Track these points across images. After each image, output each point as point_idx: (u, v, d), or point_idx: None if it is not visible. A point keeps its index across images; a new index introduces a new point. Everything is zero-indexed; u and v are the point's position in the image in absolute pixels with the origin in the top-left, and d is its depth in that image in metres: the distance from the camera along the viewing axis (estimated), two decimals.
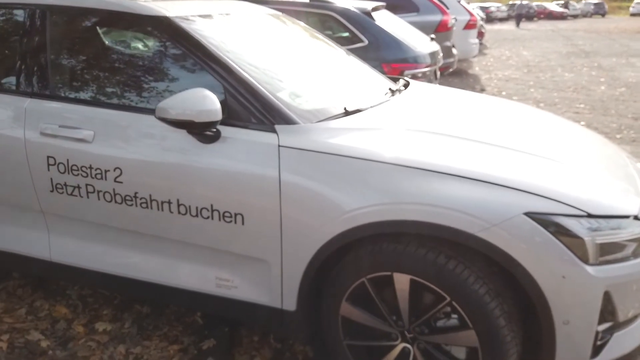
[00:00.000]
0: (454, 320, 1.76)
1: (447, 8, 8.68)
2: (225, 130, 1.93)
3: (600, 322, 1.67)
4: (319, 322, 2.01)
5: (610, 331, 1.73)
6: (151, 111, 1.97)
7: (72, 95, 2.25)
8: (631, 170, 2.15)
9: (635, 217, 1.71)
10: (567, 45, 18.19)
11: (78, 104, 2.21)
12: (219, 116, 1.87)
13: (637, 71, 11.31)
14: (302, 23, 3.11)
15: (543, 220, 1.61)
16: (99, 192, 2.11)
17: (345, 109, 2.11)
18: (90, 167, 2.09)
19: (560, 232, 1.61)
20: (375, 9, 5.28)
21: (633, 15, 47.31)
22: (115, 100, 2.19)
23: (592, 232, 1.62)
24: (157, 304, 2.61)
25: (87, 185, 2.12)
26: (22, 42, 2.33)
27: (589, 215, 1.64)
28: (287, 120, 1.93)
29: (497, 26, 33.18)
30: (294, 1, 5.11)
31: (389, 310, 1.85)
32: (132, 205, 2.07)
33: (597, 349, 1.71)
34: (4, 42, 2.47)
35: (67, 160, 2.13)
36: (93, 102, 2.21)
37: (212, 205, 1.94)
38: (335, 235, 1.79)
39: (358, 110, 2.15)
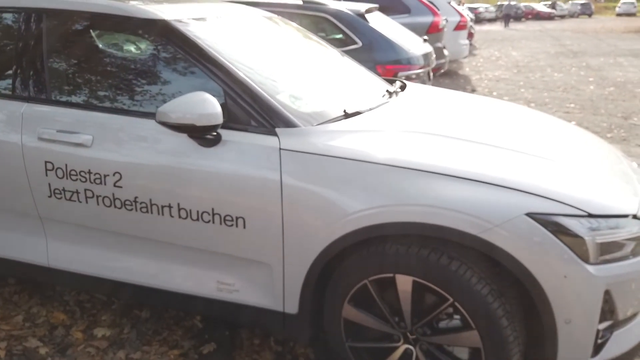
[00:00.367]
0: (456, 321, 1.77)
1: (438, 9, 8.73)
2: (225, 134, 1.93)
3: (601, 320, 1.69)
4: (320, 324, 2.02)
5: (610, 329, 1.75)
6: (151, 115, 1.97)
7: (70, 100, 2.23)
8: (627, 169, 2.18)
9: (634, 217, 1.74)
10: (555, 46, 18.35)
11: (76, 108, 2.19)
12: (219, 120, 1.86)
13: (624, 71, 11.45)
14: (297, 25, 3.11)
15: (544, 220, 1.63)
16: (98, 197, 2.10)
17: (344, 111, 2.12)
18: (89, 172, 2.08)
19: (561, 232, 1.62)
20: (368, 10, 5.30)
21: (619, 15, 47.86)
22: (114, 104, 2.18)
23: (592, 231, 1.64)
24: (156, 309, 2.59)
25: (85, 190, 2.11)
26: (18, 46, 2.30)
27: (589, 215, 1.66)
28: (287, 123, 1.93)
29: (486, 27, 33.39)
30: (288, 3, 5.11)
31: (391, 312, 1.86)
32: (132, 210, 2.06)
33: (597, 348, 1.73)
34: None
35: (66, 165, 2.11)
36: (91, 106, 2.19)
37: (213, 209, 1.94)
38: (337, 237, 1.79)
39: (357, 113, 2.15)
